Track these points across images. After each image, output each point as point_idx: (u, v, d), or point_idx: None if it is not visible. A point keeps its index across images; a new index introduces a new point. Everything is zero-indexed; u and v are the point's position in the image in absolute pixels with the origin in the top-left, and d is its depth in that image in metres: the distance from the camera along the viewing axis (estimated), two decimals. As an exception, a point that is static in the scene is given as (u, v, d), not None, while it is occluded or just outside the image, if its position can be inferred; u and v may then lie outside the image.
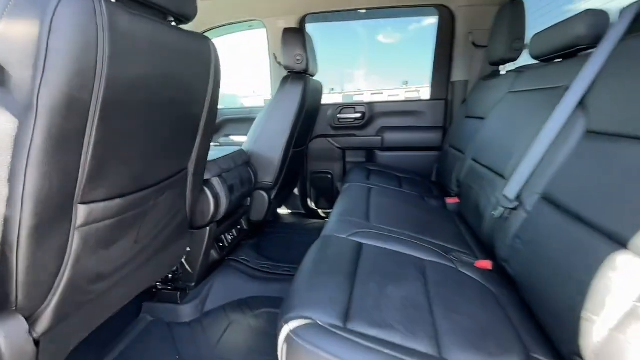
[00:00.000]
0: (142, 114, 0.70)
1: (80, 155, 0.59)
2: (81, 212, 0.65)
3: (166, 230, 1.00)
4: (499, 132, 1.24)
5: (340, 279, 0.76)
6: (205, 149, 1.06)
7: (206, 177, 1.21)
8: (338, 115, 2.24)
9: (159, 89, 0.72)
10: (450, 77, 2.08)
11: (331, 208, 2.52)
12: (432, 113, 2.16)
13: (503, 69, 1.64)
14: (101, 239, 0.72)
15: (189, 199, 1.08)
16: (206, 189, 1.21)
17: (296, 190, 2.41)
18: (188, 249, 1.27)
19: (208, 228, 1.26)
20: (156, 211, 0.89)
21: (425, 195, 1.63)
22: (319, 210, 2.42)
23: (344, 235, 1.01)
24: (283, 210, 2.47)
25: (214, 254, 1.36)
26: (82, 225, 0.66)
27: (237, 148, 1.56)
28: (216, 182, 1.26)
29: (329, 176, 2.34)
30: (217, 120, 2.61)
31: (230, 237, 1.50)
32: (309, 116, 1.87)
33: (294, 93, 1.62)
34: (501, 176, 1.05)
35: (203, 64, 0.87)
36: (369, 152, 2.28)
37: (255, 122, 1.68)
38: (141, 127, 0.71)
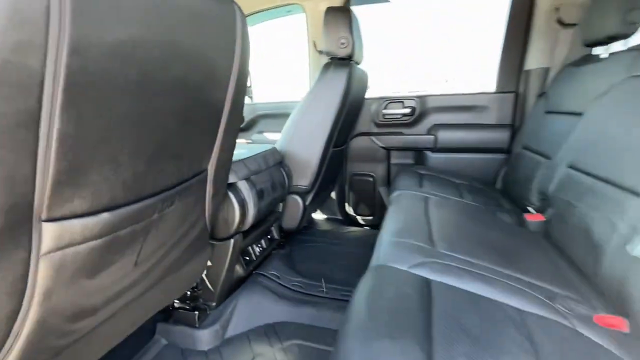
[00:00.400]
0: (134, 97, 0.50)
1: (36, 153, 0.40)
2: (48, 233, 0.46)
3: (179, 246, 0.81)
4: (616, 130, 0.91)
5: (409, 344, 0.51)
6: (229, 146, 0.85)
7: (231, 180, 1.02)
8: (383, 111, 1.97)
9: (158, 62, 0.51)
10: (524, 64, 1.72)
11: (371, 215, 2.28)
12: (497, 108, 1.82)
13: (605, 51, 1.27)
14: (83, 266, 0.53)
15: (210, 206, 0.88)
16: (231, 194, 1.01)
17: (333, 194, 2.18)
18: (209, 263, 1.08)
19: (232, 240, 1.07)
20: (164, 225, 0.70)
21: (495, 208, 1.32)
22: (358, 217, 2.17)
23: (403, 266, 0.76)
24: (318, 215, 2.25)
25: (238, 269, 1.17)
26: (52, 251, 0.47)
27: (269, 146, 1.36)
28: (243, 186, 1.06)
29: (371, 179, 2.08)
30: (251, 116, 2.46)
31: (258, 249, 1.31)
32: (352, 110, 1.63)
33: (337, 82, 1.38)
34: (634, 193, 0.73)
35: (225, 33, 0.66)
36: (418, 153, 1.98)
37: (290, 117, 1.47)
38: (134, 116, 0.51)
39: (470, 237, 0.94)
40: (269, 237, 1.43)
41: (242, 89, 0.78)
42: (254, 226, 1.23)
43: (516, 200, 1.42)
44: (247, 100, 2.73)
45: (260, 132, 2.30)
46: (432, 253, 0.81)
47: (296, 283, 1.33)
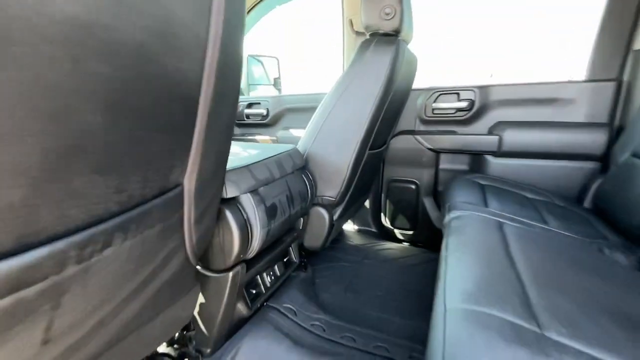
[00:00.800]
0: (29, 63, 0.23)
1: None
2: None
3: (141, 295, 0.55)
4: None
5: None
6: (218, 150, 0.58)
7: (230, 193, 0.74)
8: (433, 105, 1.61)
9: (80, 16, 0.24)
10: (633, 43, 1.28)
11: (412, 229, 1.92)
12: (588, 101, 1.39)
13: None
14: None
15: (193, 233, 0.62)
16: (228, 213, 0.74)
17: (367, 202, 1.86)
18: (202, 300, 0.83)
19: (231, 272, 0.80)
20: (96, 277, 0.44)
21: (600, 242, 0.93)
22: (396, 231, 1.83)
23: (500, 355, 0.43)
24: (348, 226, 1.95)
25: (241, 308, 0.90)
26: None
27: (289, 147, 1.07)
28: (247, 201, 0.79)
29: (413, 187, 1.73)
30: (277, 110, 2.20)
31: (270, 279, 1.03)
32: (395, 102, 1.30)
33: (378, 64, 1.06)
34: None
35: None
36: (476, 157, 1.60)
37: (317, 111, 1.17)
38: (28, 94, 0.25)
39: (590, 303, 0.59)
40: (285, 259, 1.15)
41: (230, 67, 0.50)
42: (265, 250, 0.96)
43: (622, 228, 1.02)
44: (274, 92, 2.48)
45: (286, 128, 2.03)
46: (540, 344, 0.47)
47: (317, 323, 1.04)
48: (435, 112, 1.62)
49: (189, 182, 0.56)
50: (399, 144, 1.70)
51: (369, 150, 1.20)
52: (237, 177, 0.77)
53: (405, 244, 1.78)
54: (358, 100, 1.07)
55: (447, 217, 1.01)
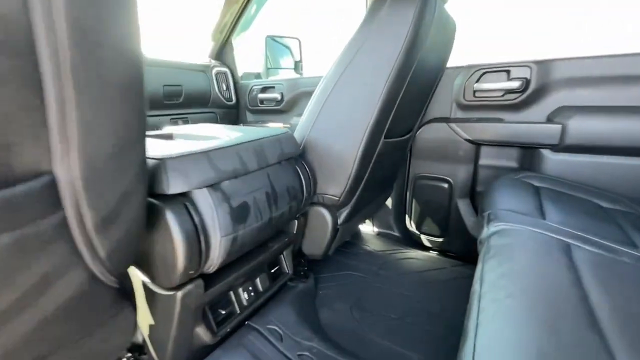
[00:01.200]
0: None
1: None
2: None
3: (18, 328, 0.38)
4: None
5: None
6: (113, 113, 0.38)
7: (174, 187, 0.55)
8: (475, 85, 1.30)
9: None
10: None
11: (442, 236, 1.63)
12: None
13: None
14: None
15: (93, 242, 0.43)
16: (169, 214, 0.54)
17: (389, 200, 1.60)
18: (151, 322, 0.65)
19: (180, 292, 0.61)
20: None
21: None
22: (422, 237, 1.56)
23: None
24: (366, 227, 1.70)
25: (201, 333, 0.71)
26: None
27: (280, 130, 0.85)
28: (203, 198, 0.59)
29: (445, 185, 1.44)
30: (292, 94, 1.98)
31: (247, 297, 0.82)
32: (424, 78, 1.03)
33: (397, 22, 0.79)
34: None
35: None
36: (528, 152, 1.28)
37: (319, 87, 0.93)
38: None
39: None
40: (273, 270, 0.94)
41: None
42: (239, 260, 0.76)
43: None
44: (293, 75, 2.27)
45: (300, 114, 1.81)
46: None
47: (306, 354, 0.82)
48: (478, 94, 1.31)
49: (67, 171, 0.36)
50: (429, 133, 1.41)
51: (385, 138, 0.95)
52: (187, 166, 0.57)
53: (433, 252, 1.50)
54: (368, 72, 0.82)
55: (486, 230, 0.74)
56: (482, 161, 1.38)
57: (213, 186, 0.61)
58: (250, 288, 0.82)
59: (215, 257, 0.62)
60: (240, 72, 2.09)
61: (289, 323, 0.90)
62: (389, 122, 0.91)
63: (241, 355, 0.77)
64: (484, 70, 1.29)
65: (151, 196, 0.56)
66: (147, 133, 0.88)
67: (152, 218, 0.55)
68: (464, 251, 1.44)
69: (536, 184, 1.03)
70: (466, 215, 1.41)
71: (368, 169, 0.96)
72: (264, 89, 1.92)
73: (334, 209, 0.98)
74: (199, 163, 0.59)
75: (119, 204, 0.44)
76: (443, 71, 1.31)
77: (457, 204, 1.43)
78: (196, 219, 0.58)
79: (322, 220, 0.98)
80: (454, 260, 1.39)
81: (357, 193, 0.98)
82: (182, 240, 0.55)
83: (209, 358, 0.75)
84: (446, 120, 1.38)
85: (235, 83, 2.03)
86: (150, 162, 0.55)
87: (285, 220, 0.80)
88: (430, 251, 1.52)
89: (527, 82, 1.22)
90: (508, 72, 1.26)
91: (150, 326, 0.67)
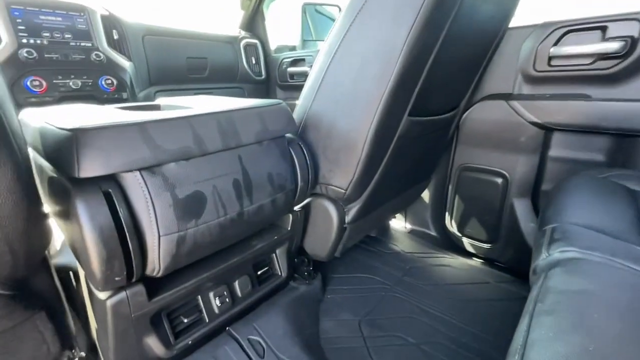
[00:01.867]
0: None
1: None
2: None
3: None
4: None
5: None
6: None
7: (87, 169, 0.42)
8: (552, 50, 0.97)
9: None
10: None
11: (491, 242, 1.32)
12: None
13: None
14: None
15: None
16: (79, 204, 0.41)
17: (426, 193, 1.35)
18: (96, 326, 0.55)
19: (109, 301, 0.49)
20: None
21: None
22: (465, 240, 1.29)
23: None
24: (397, 223, 1.47)
25: (152, 346, 0.59)
26: None
27: (271, 101, 0.67)
28: (134, 185, 0.45)
29: (499, 180, 1.15)
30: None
31: (218, 303, 0.68)
32: (472, 42, 0.76)
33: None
34: None
35: None
36: (626, 141, 0.93)
37: (321, 51, 0.72)
38: None
39: None
40: (260, 273, 0.79)
41: None
42: (207, 260, 0.62)
43: None
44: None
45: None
46: None
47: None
48: (555, 62, 0.98)
49: None
50: (482, 113, 1.12)
51: (410, 115, 0.72)
52: (108, 142, 0.42)
53: (477, 260, 1.24)
54: (383, 23, 0.59)
55: (545, 255, 0.49)
56: (554, 151, 1.05)
57: (150, 169, 0.46)
58: (225, 293, 0.68)
59: (155, 260, 0.48)
60: (274, 45, 1.93)
61: (277, 335, 0.76)
62: (415, 93, 0.68)
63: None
64: (568, 28, 0.95)
65: (66, 178, 0.43)
66: (135, 104, 0.78)
67: (65, 205, 0.43)
68: (516, 264, 1.15)
69: (633, 187, 0.72)
70: (524, 220, 1.11)
71: (386, 154, 0.74)
72: (295, 62, 1.74)
73: (341, 203, 0.79)
74: (127, 138, 0.44)
75: None
76: (504, 32, 0.99)
77: (513, 205, 1.13)
78: (122, 212, 0.44)
79: (326, 216, 0.80)
80: (502, 274, 1.12)
81: (371, 185, 0.77)
82: (95, 239, 0.42)
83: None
84: (506, 97, 1.07)
85: (266, 56, 1.88)
86: (59, 133, 0.42)
87: (267, 216, 0.64)
88: (473, 258, 1.25)
89: (631, 43, 0.87)
90: (604, 29, 0.91)
91: (96, 330, 0.57)
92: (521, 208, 1.12)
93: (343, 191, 0.74)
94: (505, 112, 1.07)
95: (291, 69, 1.74)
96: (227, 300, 0.69)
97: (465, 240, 1.29)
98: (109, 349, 0.54)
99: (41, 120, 0.48)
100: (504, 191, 1.14)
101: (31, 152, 0.53)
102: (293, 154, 0.68)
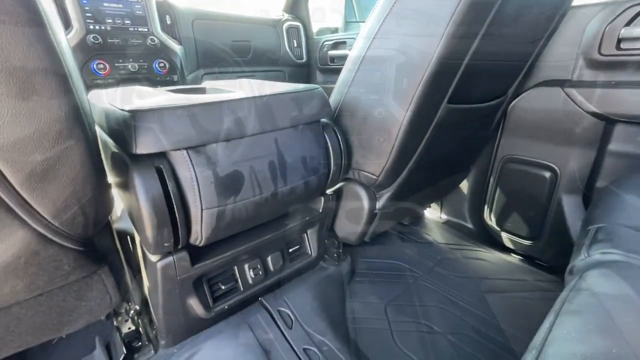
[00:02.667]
0: None
1: None
2: None
3: None
4: None
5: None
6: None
7: (142, 146, 0.47)
8: (622, 31, 0.87)
9: None
10: None
11: (533, 238, 1.24)
12: None
13: None
14: None
15: (27, 196, 0.38)
16: (137, 177, 0.47)
17: (465, 184, 1.30)
18: (148, 285, 0.63)
19: (159, 263, 0.56)
20: None
21: None
22: (504, 235, 1.23)
23: None
24: (432, 212, 1.44)
25: (194, 306, 0.66)
26: None
27: (308, 86, 0.69)
28: (181, 162, 0.50)
29: (548, 174, 1.08)
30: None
31: (252, 275, 0.74)
32: (526, 20, 0.71)
33: None
34: None
35: None
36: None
37: (360, 35, 0.71)
38: None
39: None
40: (291, 250, 0.83)
41: None
42: (243, 234, 0.67)
43: None
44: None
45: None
46: None
47: (314, 350, 0.72)
48: (626, 45, 0.88)
49: None
50: (534, 101, 1.04)
51: (449, 103, 0.69)
52: (160, 123, 0.47)
53: (515, 257, 1.18)
54: (424, 5, 0.57)
55: (584, 256, 0.47)
56: (614, 145, 0.96)
57: (195, 148, 0.51)
58: (259, 266, 0.74)
59: (198, 231, 0.54)
60: (316, 27, 1.92)
61: (305, 310, 0.80)
62: (456, 78, 0.65)
63: (240, 335, 0.72)
64: (644, 6, 0.84)
65: (126, 153, 0.49)
66: (184, 86, 0.84)
67: (124, 177, 0.49)
68: (559, 263, 1.09)
69: None
70: (572, 218, 1.04)
71: (421, 142, 0.73)
72: (335, 45, 1.73)
73: (372, 189, 0.80)
74: (177, 120, 0.49)
75: (49, 160, 0.37)
76: (566, 11, 0.90)
77: (562, 201, 1.06)
78: (171, 187, 0.49)
79: (357, 201, 0.81)
80: (541, 273, 1.06)
81: (404, 173, 0.77)
82: (149, 209, 0.47)
83: (207, 331, 0.72)
84: (563, 83, 0.98)
85: (307, 39, 1.88)
86: (120, 114, 0.48)
87: (300, 197, 0.67)
88: (512, 254, 1.20)
89: None
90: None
91: (148, 289, 0.65)
92: (570, 205, 1.05)
93: (375, 177, 0.75)
94: (560, 100, 0.99)
95: (332, 52, 1.73)
96: (260, 272, 0.74)
97: (504, 235, 1.23)
98: (158, 305, 0.62)
99: (105, 102, 0.54)
100: (552, 186, 1.07)
101: (98, 130, 0.60)
102: (327, 138, 0.70)
